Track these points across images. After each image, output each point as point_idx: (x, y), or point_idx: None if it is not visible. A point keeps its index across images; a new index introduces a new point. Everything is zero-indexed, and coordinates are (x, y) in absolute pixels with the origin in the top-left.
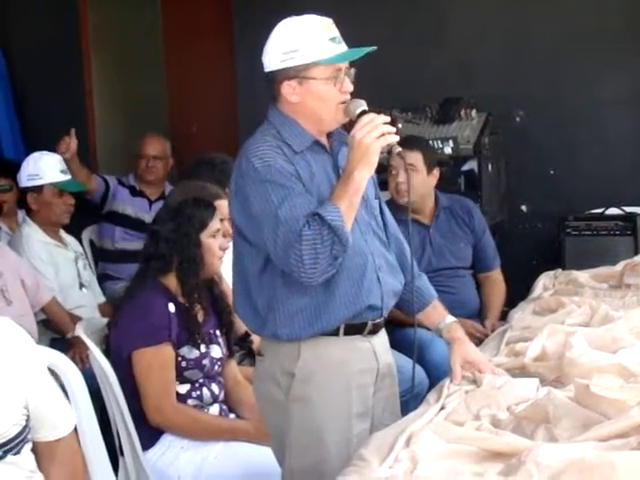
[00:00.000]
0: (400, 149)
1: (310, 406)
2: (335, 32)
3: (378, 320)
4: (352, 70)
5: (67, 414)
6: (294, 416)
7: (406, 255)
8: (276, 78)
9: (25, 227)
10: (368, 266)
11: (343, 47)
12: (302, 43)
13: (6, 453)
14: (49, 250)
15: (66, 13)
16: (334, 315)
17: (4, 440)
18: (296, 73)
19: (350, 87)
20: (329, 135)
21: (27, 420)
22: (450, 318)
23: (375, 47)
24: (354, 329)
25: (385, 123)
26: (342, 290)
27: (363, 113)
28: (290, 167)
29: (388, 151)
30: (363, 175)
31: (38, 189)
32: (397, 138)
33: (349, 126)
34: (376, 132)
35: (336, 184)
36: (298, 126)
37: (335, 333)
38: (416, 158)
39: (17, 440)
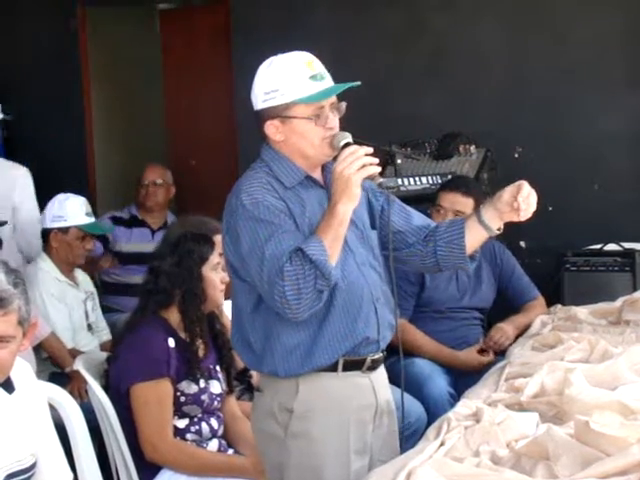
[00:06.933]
0: (382, 180)
1: (309, 442)
2: (317, 69)
3: (377, 356)
4: (342, 104)
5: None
6: (293, 452)
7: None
8: (261, 117)
9: (40, 262)
10: (365, 298)
11: (326, 83)
12: (281, 83)
13: None
14: (62, 289)
15: (66, 47)
16: (330, 350)
17: (19, 468)
18: (277, 112)
19: (334, 123)
20: (323, 168)
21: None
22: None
23: (358, 83)
24: (353, 365)
25: (367, 154)
26: (338, 324)
27: (346, 145)
28: (280, 203)
29: (378, 184)
30: (347, 208)
31: (63, 229)
32: (379, 169)
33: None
34: (357, 164)
35: (321, 218)
36: (289, 162)
37: (334, 369)
38: (466, 204)
39: (29, 474)
